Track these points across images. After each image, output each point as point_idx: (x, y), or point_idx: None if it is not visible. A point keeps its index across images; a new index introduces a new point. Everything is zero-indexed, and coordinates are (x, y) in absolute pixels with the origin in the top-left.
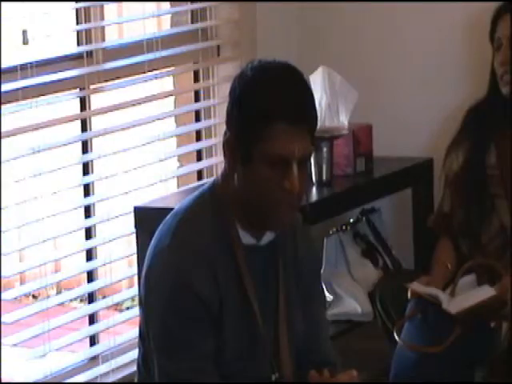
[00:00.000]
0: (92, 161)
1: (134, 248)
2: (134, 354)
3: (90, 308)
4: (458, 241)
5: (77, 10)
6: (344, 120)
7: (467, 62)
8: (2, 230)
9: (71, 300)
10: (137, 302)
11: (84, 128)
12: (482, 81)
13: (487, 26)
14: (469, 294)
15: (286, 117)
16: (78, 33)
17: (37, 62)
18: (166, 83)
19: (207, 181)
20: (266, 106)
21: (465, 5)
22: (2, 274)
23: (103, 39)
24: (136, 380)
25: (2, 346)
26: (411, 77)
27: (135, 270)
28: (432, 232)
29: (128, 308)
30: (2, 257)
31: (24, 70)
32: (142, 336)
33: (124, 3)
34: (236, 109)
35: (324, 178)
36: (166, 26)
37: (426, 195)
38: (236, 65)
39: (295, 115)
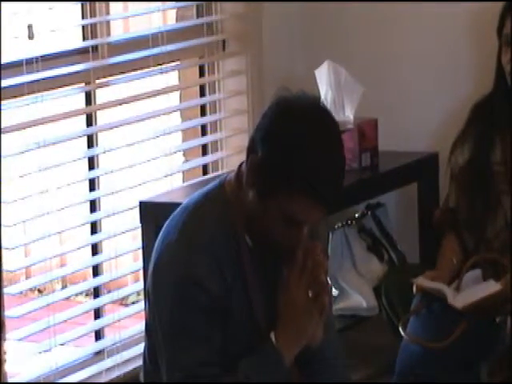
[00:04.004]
0: (97, 155)
1: (139, 242)
2: (140, 348)
3: (96, 302)
4: (464, 236)
5: (82, 5)
6: (349, 114)
7: (473, 56)
8: (8, 224)
9: (76, 294)
10: (142, 296)
11: (89, 122)
12: (487, 76)
13: (493, 21)
14: (474, 289)
15: (317, 194)
16: (84, 27)
17: (42, 56)
18: (172, 78)
19: (212, 175)
20: (302, 177)
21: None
22: (8, 269)
23: (108, 34)
24: (141, 373)
25: (8, 341)
26: (416, 71)
27: (140, 264)
28: (437, 226)
29: (133, 302)
30: (8, 251)
31: (29, 64)
32: (149, 329)
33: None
34: (272, 151)
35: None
36: (171, 21)
37: (431, 190)
38: (241, 59)
39: (326, 195)
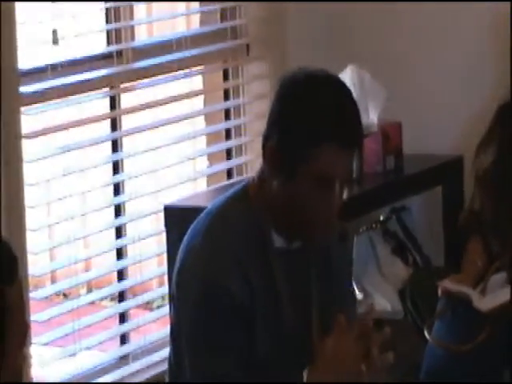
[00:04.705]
0: (122, 160)
1: (163, 246)
2: (165, 352)
3: (121, 307)
4: (489, 239)
5: (106, 10)
6: (373, 118)
7: (497, 57)
8: (33, 228)
9: (102, 299)
10: (167, 300)
11: (114, 127)
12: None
13: None
14: (499, 292)
15: (339, 139)
16: (108, 32)
17: (67, 61)
18: (196, 82)
19: (237, 180)
20: (321, 125)
21: (493, 2)
22: (33, 273)
23: (133, 38)
24: (167, 377)
25: (33, 345)
26: (440, 74)
27: (165, 268)
28: (462, 230)
29: (158, 307)
30: (33, 256)
31: (54, 69)
32: (174, 333)
33: (153, 2)
34: (287, 120)
35: (354, 175)
36: (195, 25)
37: (456, 193)
38: (265, 63)
39: (348, 138)
